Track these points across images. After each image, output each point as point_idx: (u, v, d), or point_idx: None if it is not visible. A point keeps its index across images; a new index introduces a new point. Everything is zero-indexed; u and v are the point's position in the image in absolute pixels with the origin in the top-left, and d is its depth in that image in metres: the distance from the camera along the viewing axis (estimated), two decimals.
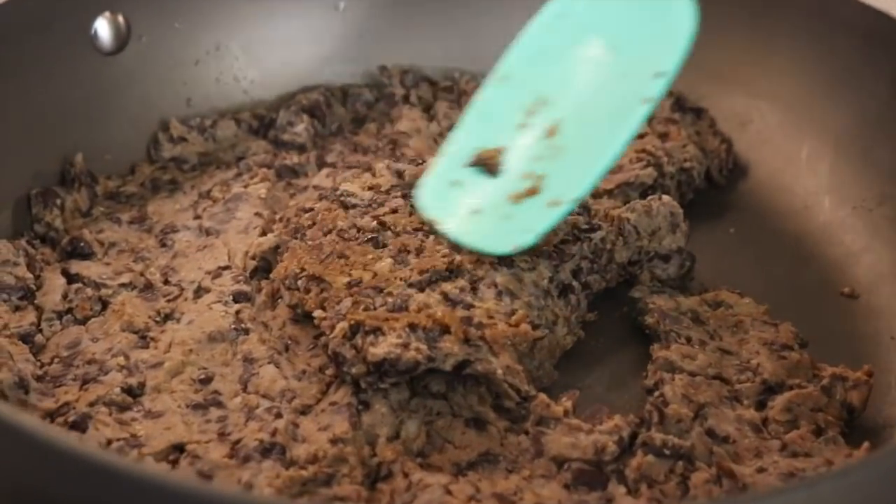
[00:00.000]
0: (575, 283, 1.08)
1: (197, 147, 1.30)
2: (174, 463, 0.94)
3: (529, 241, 1.05)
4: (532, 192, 1.08)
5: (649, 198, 1.14)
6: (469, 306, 1.01)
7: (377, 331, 0.96)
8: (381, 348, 0.95)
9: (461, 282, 1.03)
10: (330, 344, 0.97)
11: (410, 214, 1.10)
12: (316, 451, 0.92)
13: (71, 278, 1.11)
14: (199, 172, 1.27)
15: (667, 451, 0.94)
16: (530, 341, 1.01)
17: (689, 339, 1.05)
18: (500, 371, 0.97)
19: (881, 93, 1.22)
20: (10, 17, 1.19)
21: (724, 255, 1.21)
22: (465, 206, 1.10)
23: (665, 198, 1.13)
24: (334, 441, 0.93)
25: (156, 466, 0.93)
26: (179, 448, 0.95)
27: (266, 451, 0.93)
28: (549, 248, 1.07)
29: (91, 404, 0.98)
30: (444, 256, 1.05)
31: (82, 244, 1.14)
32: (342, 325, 0.97)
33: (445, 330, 0.96)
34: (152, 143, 1.29)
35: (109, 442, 0.95)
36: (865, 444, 0.96)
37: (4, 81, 1.18)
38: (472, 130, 1.15)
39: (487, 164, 1.12)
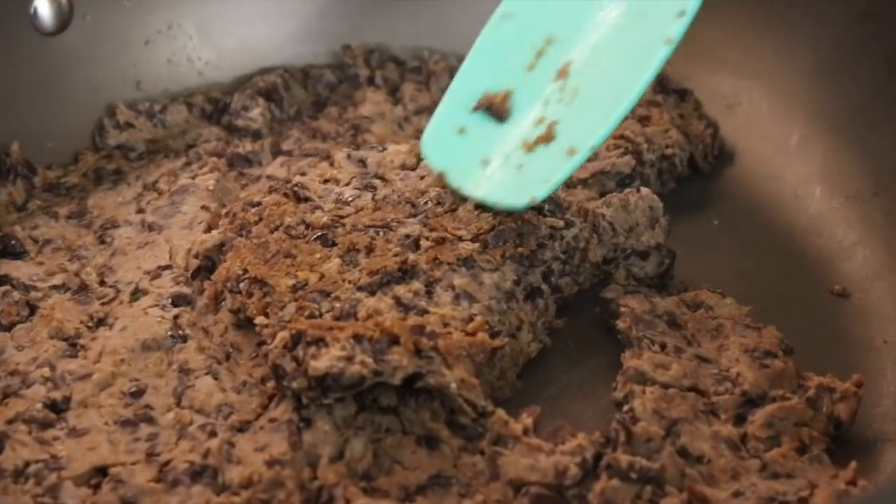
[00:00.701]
0: (544, 287, 1.00)
1: (145, 133, 1.22)
2: (96, 487, 0.86)
3: (545, 192, 0.98)
4: (545, 138, 1.01)
5: (626, 191, 1.05)
6: (423, 312, 0.93)
7: (320, 341, 0.88)
8: (322, 361, 0.87)
9: (415, 284, 0.95)
10: (270, 355, 0.90)
11: (374, 210, 1.02)
12: (251, 475, 0.85)
13: None
14: (146, 161, 1.19)
15: (633, 475, 0.86)
16: (488, 351, 0.93)
17: (663, 346, 0.97)
18: (454, 385, 0.89)
19: (878, 74, 1.15)
20: None
21: (706, 249, 1.12)
22: (473, 155, 1.03)
23: (644, 191, 1.05)
24: (271, 463, 0.86)
25: (75, 491, 0.85)
26: (103, 471, 0.88)
27: (196, 474, 0.86)
28: (523, 252, 0.99)
29: (9, 421, 0.91)
30: (395, 256, 0.97)
31: (13, 242, 1.07)
32: (283, 335, 0.89)
33: (394, 340, 0.89)
34: (97, 129, 1.21)
35: (27, 464, 0.88)
36: (853, 465, 0.89)
37: None
38: (475, 72, 1.07)
39: (495, 108, 1.05)
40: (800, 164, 1.19)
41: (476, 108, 1.06)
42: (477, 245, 0.98)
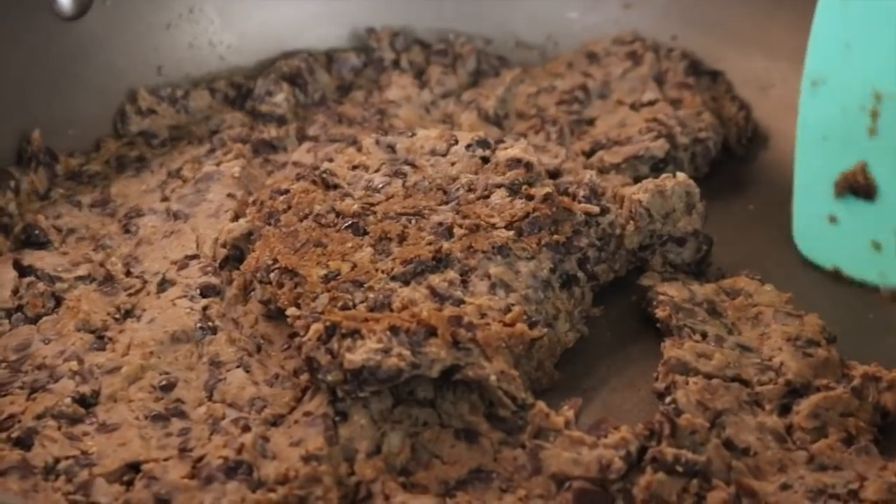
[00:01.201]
0: (580, 274, 0.98)
1: (167, 120, 1.20)
2: (128, 484, 0.84)
3: None
4: None
5: (663, 176, 1.03)
6: (459, 302, 0.91)
7: (355, 333, 0.86)
8: (359, 354, 0.85)
9: (450, 273, 0.93)
10: (303, 348, 0.87)
11: (405, 197, 0.99)
12: (287, 471, 0.83)
13: (23, 271, 1.01)
14: (169, 148, 1.17)
15: (679, 468, 0.84)
16: (527, 343, 0.90)
17: (704, 335, 0.95)
18: (493, 377, 0.87)
19: None
20: None
21: (743, 235, 1.10)
22: (860, 242, 1.02)
23: (680, 175, 1.03)
24: (307, 458, 0.84)
25: (107, 489, 0.83)
26: (135, 467, 0.85)
27: (231, 470, 0.84)
28: (558, 240, 0.96)
29: (38, 417, 0.88)
30: (429, 244, 0.95)
31: (37, 232, 1.05)
32: (316, 327, 0.87)
33: (432, 332, 0.86)
34: (119, 116, 1.19)
35: (57, 461, 0.86)
36: None
37: None
38: (816, 154, 1.05)
39: (860, 187, 1.02)
40: None
41: (840, 194, 1.03)
42: (511, 233, 0.96)
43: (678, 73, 1.21)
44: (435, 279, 0.93)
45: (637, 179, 1.08)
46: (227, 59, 1.25)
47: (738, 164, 1.18)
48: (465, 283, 0.93)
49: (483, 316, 0.90)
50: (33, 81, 1.14)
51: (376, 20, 1.28)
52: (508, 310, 0.92)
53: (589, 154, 1.13)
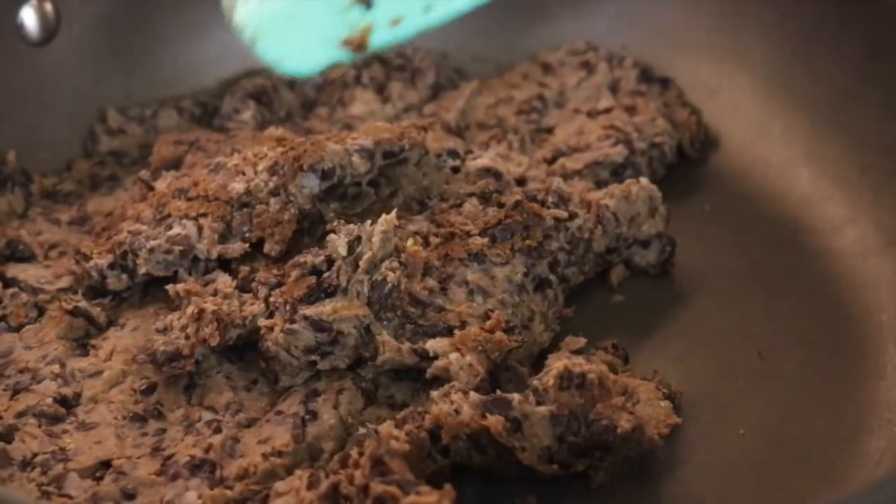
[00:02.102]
0: (552, 277, 1.02)
1: (137, 139, 1.22)
2: (100, 479, 0.88)
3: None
4: None
5: (627, 181, 1.07)
6: (440, 309, 0.95)
7: None
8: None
9: (430, 281, 0.96)
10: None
11: None
12: (247, 467, 0.87)
13: (7, 282, 1.04)
14: (139, 167, 1.19)
15: None
16: (504, 351, 0.94)
17: None
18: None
19: (857, 55, 1.16)
20: None
21: (701, 235, 1.14)
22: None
23: (643, 181, 1.07)
24: (268, 455, 0.87)
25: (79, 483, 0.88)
26: (108, 464, 0.89)
27: (195, 468, 0.88)
28: (530, 245, 1.00)
29: (19, 415, 0.92)
30: None
31: (21, 246, 1.07)
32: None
33: None
34: (89, 136, 1.21)
35: (35, 455, 0.90)
36: None
37: None
38: None
39: None
40: (785, 146, 1.21)
41: None
42: (486, 240, 0.99)
43: (630, 81, 1.25)
44: (415, 287, 0.96)
45: (599, 184, 1.12)
46: (191, 79, 1.27)
47: (692, 167, 1.22)
48: (444, 290, 0.96)
49: (463, 323, 0.94)
50: (5, 106, 1.16)
51: None
52: (487, 316, 0.95)
53: (551, 161, 1.16)
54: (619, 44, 1.29)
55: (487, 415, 0.87)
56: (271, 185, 0.99)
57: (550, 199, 1.03)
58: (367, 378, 0.94)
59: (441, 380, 0.92)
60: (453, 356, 0.91)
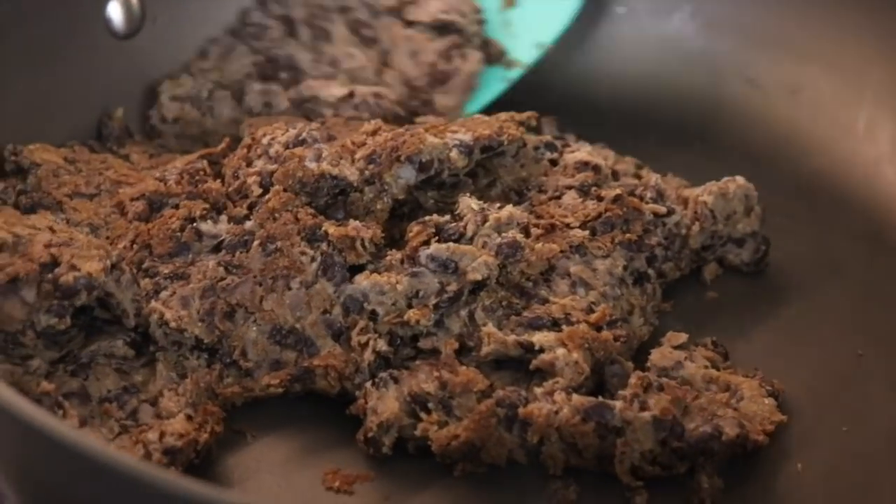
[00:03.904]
0: (650, 271, 1.01)
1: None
2: None
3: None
4: None
5: (724, 179, 1.07)
6: (544, 301, 0.95)
7: None
8: None
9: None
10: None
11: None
12: None
13: None
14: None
15: None
16: (609, 352, 0.94)
17: None
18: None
19: None
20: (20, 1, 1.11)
21: (787, 232, 1.13)
22: None
23: (739, 179, 1.07)
24: None
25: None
26: None
27: None
28: (630, 238, 1.00)
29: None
30: None
31: None
32: None
33: None
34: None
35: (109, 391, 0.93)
36: None
37: (15, 69, 1.10)
38: None
39: None
40: (869, 145, 1.20)
41: None
42: (587, 232, 0.99)
43: None
44: (518, 277, 0.96)
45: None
46: None
47: (776, 167, 1.21)
48: (547, 281, 0.96)
49: (567, 316, 0.94)
50: (85, 98, 1.16)
51: None
52: (591, 309, 0.95)
53: None
54: (701, 43, 1.29)
55: (587, 420, 0.87)
56: (367, 173, 0.99)
57: (648, 195, 1.03)
58: (470, 366, 0.93)
59: (544, 373, 0.92)
60: (560, 351, 0.91)
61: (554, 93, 1.25)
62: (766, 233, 1.08)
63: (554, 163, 1.07)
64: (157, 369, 0.93)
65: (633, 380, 0.91)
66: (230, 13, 1.25)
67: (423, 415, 0.90)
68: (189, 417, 0.89)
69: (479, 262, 0.94)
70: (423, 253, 0.94)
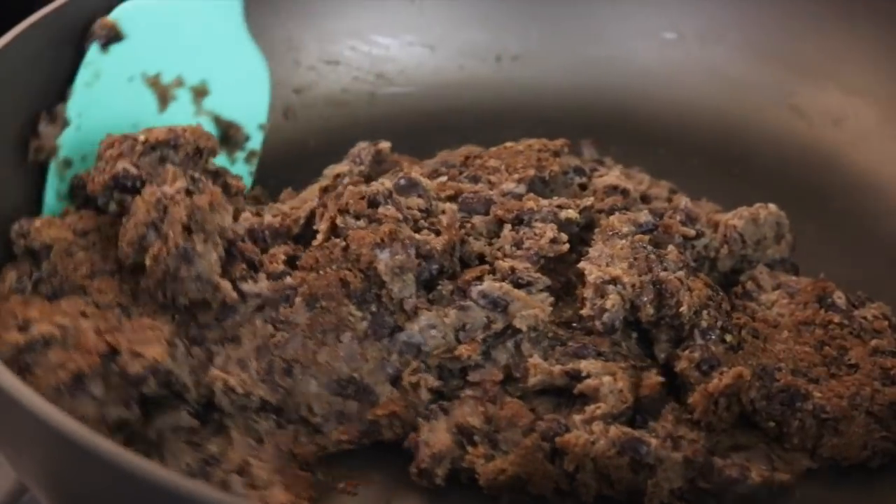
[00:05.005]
0: None
1: None
2: None
3: None
4: None
5: (756, 205, 1.08)
6: (588, 332, 0.97)
7: None
8: None
9: None
10: None
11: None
12: None
13: None
14: None
15: None
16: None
17: None
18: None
19: None
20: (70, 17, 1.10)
21: (819, 262, 1.13)
22: None
23: (771, 206, 1.08)
24: None
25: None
26: None
27: None
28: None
29: None
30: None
31: None
32: None
33: None
34: None
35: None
36: None
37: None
38: None
39: None
40: None
41: None
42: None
43: None
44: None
45: None
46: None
47: (812, 193, 1.23)
48: None
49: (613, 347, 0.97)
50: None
51: None
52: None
53: None
54: (746, 70, 1.31)
55: (623, 454, 0.89)
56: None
57: (678, 218, 1.05)
58: (515, 395, 0.95)
59: (586, 398, 0.93)
60: (606, 379, 0.93)
61: (595, 114, 1.27)
62: (799, 260, 1.09)
63: (583, 187, 1.09)
64: (233, 437, 0.92)
65: (668, 413, 0.93)
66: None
67: (469, 448, 0.92)
68: (285, 486, 0.89)
69: (529, 313, 0.95)
70: (475, 288, 0.95)
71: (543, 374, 0.94)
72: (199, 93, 1.13)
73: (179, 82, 1.12)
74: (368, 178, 1.09)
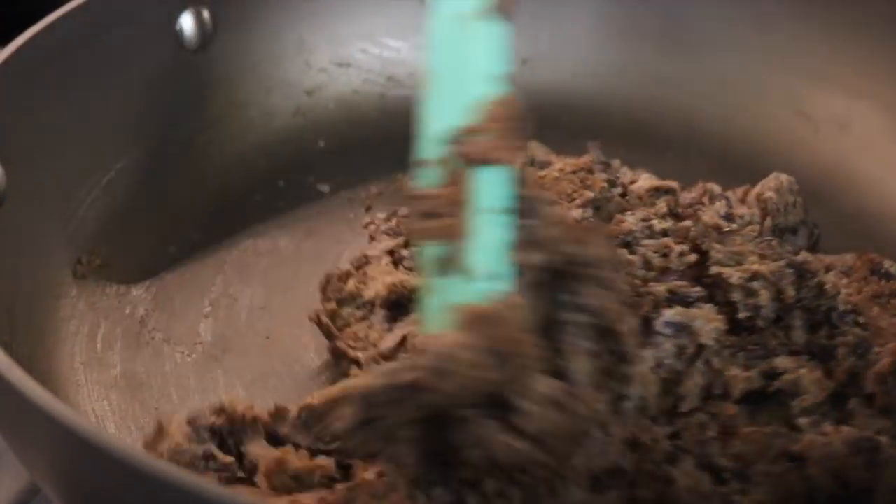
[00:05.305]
0: None
1: None
2: None
3: None
4: None
5: (771, 175, 1.14)
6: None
7: None
8: None
9: None
10: None
11: None
12: None
13: None
14: None
15: None
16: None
17: None
18: None
19: None
20: (90, 15, 1.15)
21: None
22: None
23: (781, 175, 1.14)
24: None
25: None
26: None
27: None
28: None
29: None
30: None
31: None
32: None
33: None
34: None
35: None
36: None
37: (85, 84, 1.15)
38: None
39: None
40: None
41: None
42: None
43: None
44: None
45: None
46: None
47: (819, 201, 1.21)
48: None
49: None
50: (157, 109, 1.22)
51: None
52: None
53: None
54: (749, 76, 1.32)
55: (856, 454, 0.87)
56: None
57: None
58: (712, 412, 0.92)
59: (783, 394, 0.92)
60: (802, 371, 0.91)
61: (603, 118, 1.29)
62: None
63: (623, 195, 1.08)
64: None
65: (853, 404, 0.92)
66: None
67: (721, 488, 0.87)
68: None
69: (710, 328, 0.93)
70: (659, 321, 0.92)
71: (745, 383, 0.91)
72: None
73: None
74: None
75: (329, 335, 1.02)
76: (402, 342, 0.96)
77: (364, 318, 1.00)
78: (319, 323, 1.03)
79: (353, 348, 0.98)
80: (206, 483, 0.72)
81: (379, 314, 0.99)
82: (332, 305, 1.03)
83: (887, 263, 1.04)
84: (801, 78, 1.30)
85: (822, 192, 1.24)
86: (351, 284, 1.02)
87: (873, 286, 1.02)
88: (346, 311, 1.02)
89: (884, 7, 1.26)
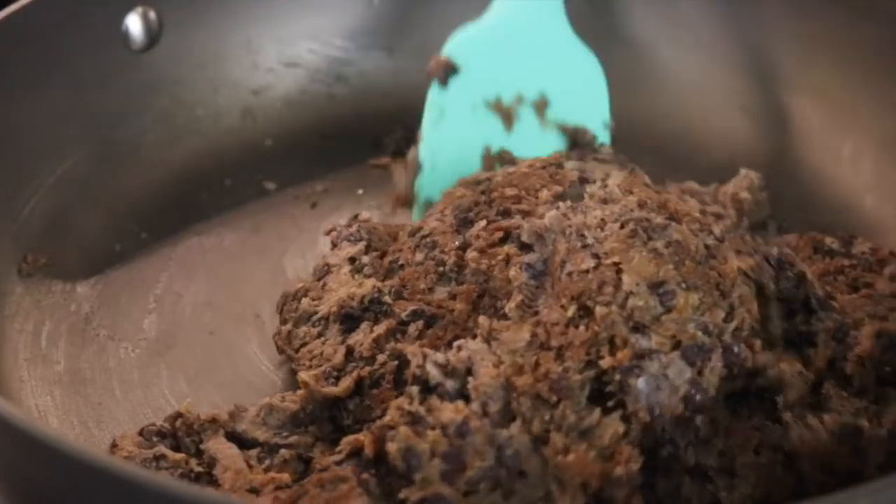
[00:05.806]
0: None
1: None
2: None
3: None
4: None
5: (741, 174, 1.17)
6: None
7: None
8: None
9: None
10: None
11: None
12: None
13: None
14: None
15: None
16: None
17: None
18: None
19: None
20: (36, 16, 1.16)
21: None
22: None
23: (750, 171, 1.17)
24: None
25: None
26: None
27: None
28: None
29: None
30: None
31: None
32: None
33: None
34: None
35: None
36: None
37: (31, 84, 1.16)
38: None
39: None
40: (852, 175, 1.24)
41: None
42: None
43: None
44: None
45: None
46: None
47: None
48: None
49: None
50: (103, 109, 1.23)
51: None
52: None
53: None
54: (691, 74, 1.34)
55: (842, 442, 0.87)
56: None
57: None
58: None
59: (765, 392, 0.90)
60: (783, 366, 0.90)
61: None
62: None
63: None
64: None
65: (830, 389, 0.91)
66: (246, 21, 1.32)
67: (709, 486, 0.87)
68: None
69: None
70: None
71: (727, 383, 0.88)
72: (541, 105, 1.16)
73: (520, 99, 1.15)
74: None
75: (289, 358, 1.02)
76: (349, 353, 0.96)
77: (320, 336, 1.01)
78: (279, 347, 1.04)
79: (308, 367, 0.98)
80: (140, 470, 0.73)
81: (333, 329, 1.00)
82: (289, 327, 1.02)
83: (829, 241, 1.05)
84: (742, 74, 1.32)
85: (768, 184, 1.24)
86: (305, 303, 1.03)
87: (819, 265, 1.02)
88: (303, 329, 1.02)
89: (821, 3, 1.28)
